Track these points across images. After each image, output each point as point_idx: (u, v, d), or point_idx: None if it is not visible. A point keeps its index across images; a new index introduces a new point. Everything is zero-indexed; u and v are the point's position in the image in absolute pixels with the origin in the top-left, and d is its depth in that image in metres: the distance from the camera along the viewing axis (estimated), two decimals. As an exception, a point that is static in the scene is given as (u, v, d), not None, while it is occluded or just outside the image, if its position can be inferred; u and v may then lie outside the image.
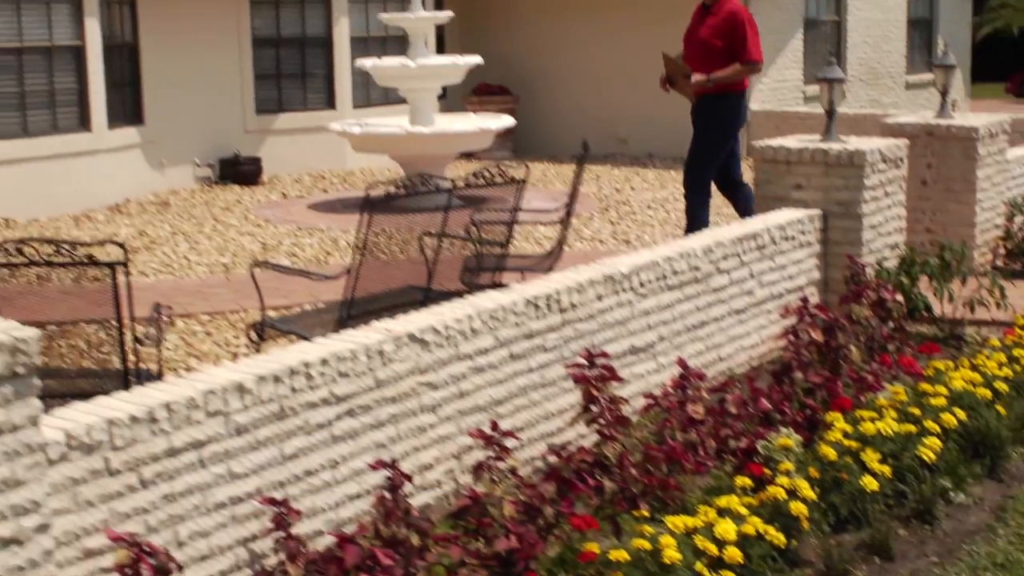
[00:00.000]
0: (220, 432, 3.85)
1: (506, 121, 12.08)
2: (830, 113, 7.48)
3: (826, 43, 16.83)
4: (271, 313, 6.19)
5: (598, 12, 15.96)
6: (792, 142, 7.44)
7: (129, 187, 12.89)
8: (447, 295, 5.65)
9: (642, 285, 5.69)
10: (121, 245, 4.26)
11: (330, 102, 14.92)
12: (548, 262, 7.09)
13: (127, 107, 13.08)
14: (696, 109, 8.81)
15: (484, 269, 6.37)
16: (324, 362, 4.18)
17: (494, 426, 4.54)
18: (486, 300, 4.95)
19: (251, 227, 11.04)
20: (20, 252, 4.17)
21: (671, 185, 13.33)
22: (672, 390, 5.20)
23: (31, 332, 3.07)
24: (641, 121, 15.80)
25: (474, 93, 16.05)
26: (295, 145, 14.66)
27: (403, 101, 15.29)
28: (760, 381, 5.77)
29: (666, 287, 5.86)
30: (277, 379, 4.03)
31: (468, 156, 14.86)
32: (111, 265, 4.21)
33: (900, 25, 18.46)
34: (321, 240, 10.28)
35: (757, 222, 6.78)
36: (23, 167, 11.75)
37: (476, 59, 12.20)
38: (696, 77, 8.52)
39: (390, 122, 12.57)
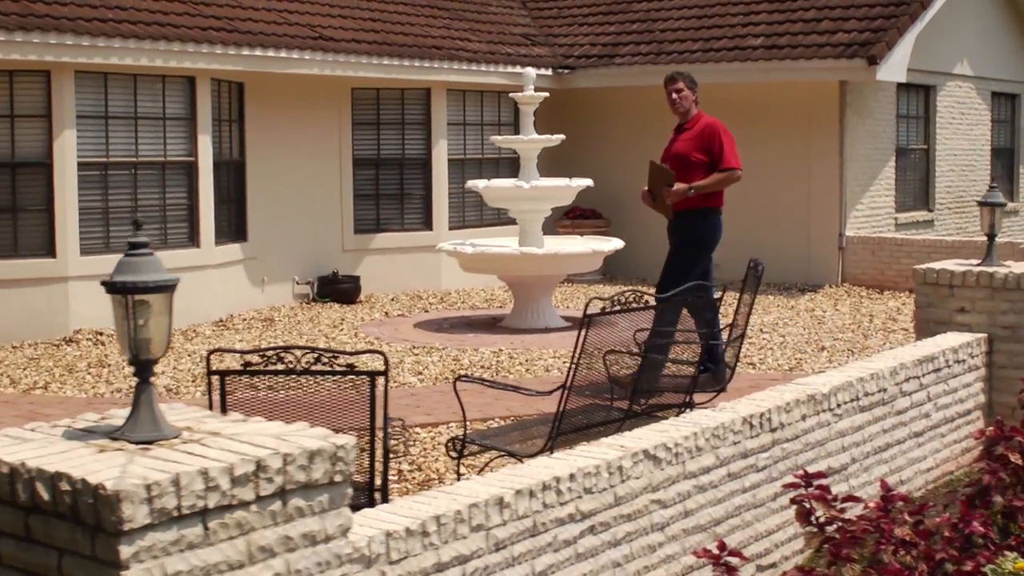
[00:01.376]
0: (481, 547, 3.74)
1: (615, 244, 12.08)
2: (991, 237, 7.42)
3: (915, 171, 16.85)
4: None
5: (690, 138, 16.06)
6: (953, 265, 7.37)
7: (232, 303, 12.94)
8: (641, 414, 5.55)
9: (839, 406, 5.58)
10: (382, 354, 4.19)
11: (427, 222, 15.02)
12: (719, 384, 7.00)
13: (232, 223, 13.20)
14: (673, 226, 8.84)
15: (654, 389, 6.25)
16: (572, 477, 4.08)
17: (721, 546, 4.40)
18: (706, 418, 4.85)
19: (364, 345, 11.01)
20: (280, 359, 4.11)
21: (775, 310, 13.24)
22: (875, 512, 5.05)
23: (348, 439, 2.99)
24: (732, 246, 15.75)
25: (567, 216, 16.11)
26: (391, 264, 14.72)
27: (497, 223, 15.46)
28: (937, 505, 5.61)
29: (858, 408, 5.75)
30: (532, 494, 3.92)
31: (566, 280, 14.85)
32: (371, 375, 4.14)
33: (985, 154, 18.50)
34: (443, 358, 10.22)
35: (930, 345, 6.68)
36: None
37: (587, 181, 12.26)
38: (678, 186, 8.61)
39: (498, 242, 12.61)
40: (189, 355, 10.41)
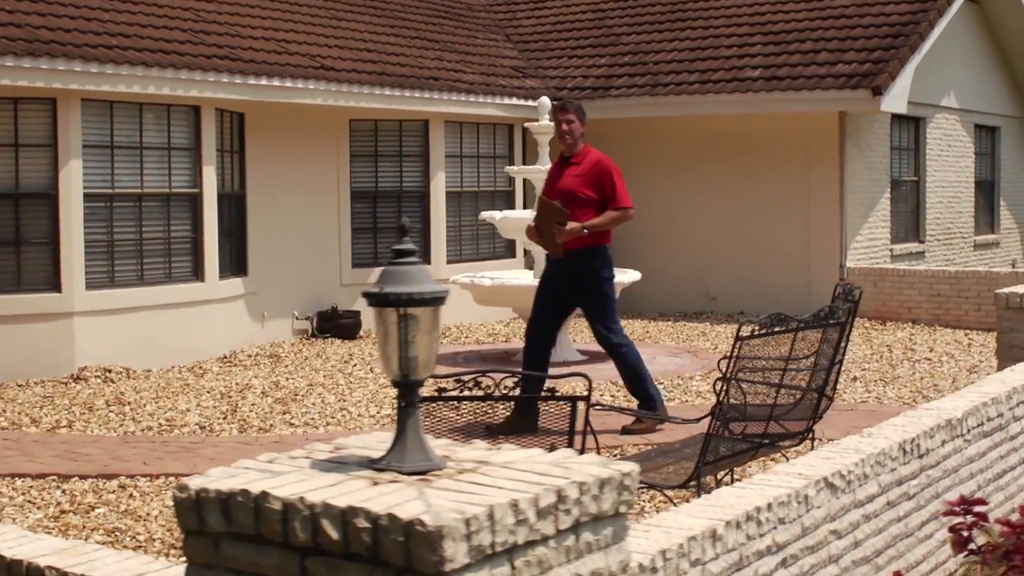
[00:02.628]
0: (697, 583, 3.48)
1: (633, 275, 11.88)
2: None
3: (907, 203, 16.87)
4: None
5: (684, 171, 15.96)
6: (1035, 289, 7.25)
7: (234, 339, 12.56)
8: (770, 443, 5.32)
9: (968, 431, 5.39)
10: (586, 377, 3.92)
11: (426, 256, 14.73)
12: (810, 412, 6.78)
13: (233, 257, 12.84)
14: (561, 266, 8.33)
15: (784, 417, 5.99)
16: (769, 507, 3.83)
17: (897, 579, 4.18)
18: (864, 445, 4.63)
19: (383, 380, 10.68)
20: (477, 384, 3.83)
21: (789, 343, 13.06)
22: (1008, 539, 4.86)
23: (634, 467, 2.72)
24: (730, 278, 15.67)
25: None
26: (389, 298, 14.38)
27: (493, 257, 15.24)
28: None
29: (982, 434, 5.56)
30: (738, 525, 3.67)
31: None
32: (574, 399, 3.87)
33: (969, 186, 18.60)
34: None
35: (1027, 369, 6.52)
36: (138, 316, 11.42)
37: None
38: (571, 225, 8.11)
39: (508, 275, 12.37)
40: (208, 392, 10.02)
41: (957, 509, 4.65)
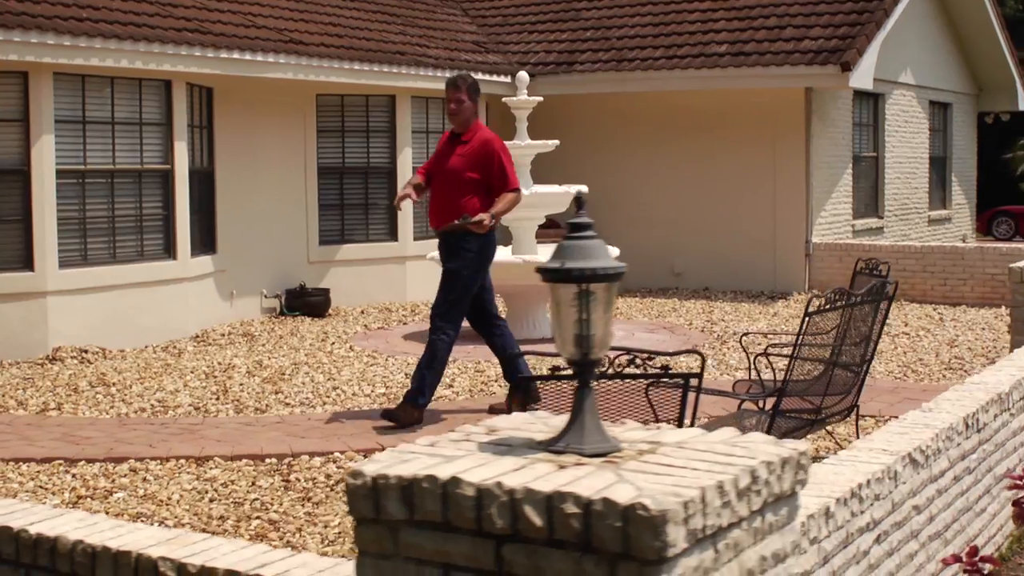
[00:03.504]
0: (815, 562, 3.44)
1: (613, 252, 11.81)
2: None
3: (867, 179, 17.02)
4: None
5: (650, 147, 15.96)
6: (1044, 263, 7.31)
7: (205, 317, 12.34)
8: (824, 418, 5.30)
9: (1013, 404, 5.43)
10: (700, 355, 3.85)
11: (392, 233, 14.58)
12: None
13: (203, 235, 12.60)
14: (446, 247, 8.07)
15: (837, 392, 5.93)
16: (868, 483, 3.80)
17: (973, 551, 4.18)
18: (931, 419, 4.63)
19: (367, 358, 10.55)
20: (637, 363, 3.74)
21: (761, 318, 13.16)
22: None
23: (806, 445, 2.66)
24: (696, 255, 15.71)
25: (542, 227, 15.78)
26: (357, 276, 14.24)
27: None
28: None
29: (1022, 408, 5.61)
30: (845, 502, 3.64)
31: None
32: (686, 376, 3.80)
33: (924, 162, 18.81)
34: (464, 369, 9.86)
35: (1048, 343, 6.59)
36: (110, 295, 11.17)
37: (583, 188, 12.01)
38: (481, 216, 7.81)
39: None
40: (191, 372, 9.82)
41: (1020, 483, 4.68)
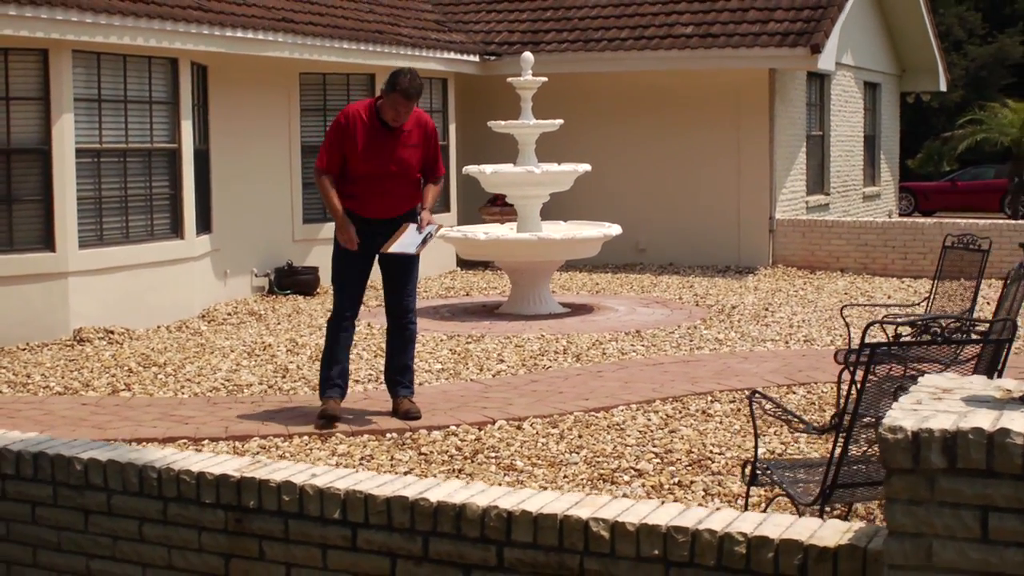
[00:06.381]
0: None
1: (615, 229, 12.14)
2: None
3: (815, 157, 17.67)
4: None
5: (616, 125, 16.32)
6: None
7: (206, 297, 12.32)
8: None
9: None
10: (1014, 323, 4.14)
11: (374, 211, 14.65)
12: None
13: (202, 214, 12.54)
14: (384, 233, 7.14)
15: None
16: None
17: None
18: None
19: (380, 334, 10.65)
20: (927, 330, 4.02)
21: (749, 294, 13.61)
22: None
23: None
24: (660, 231, 16.14)
25: (491, 204, 16.05)
26: (341, 254, 14.28)
27: (444, 211, 15.27)
28: None
29: None
30: None
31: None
32: (999, 343, 4.10)
33: (860, 141, 19.59)
34: (500, 344, 10.08)
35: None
36: (124, 275, 11.09)
37: (587, 167, 12.30)
38: (425, 216, 7.16)
39: (481, 229, 12.50)
40: (232, 351, 9.84)
41: None
